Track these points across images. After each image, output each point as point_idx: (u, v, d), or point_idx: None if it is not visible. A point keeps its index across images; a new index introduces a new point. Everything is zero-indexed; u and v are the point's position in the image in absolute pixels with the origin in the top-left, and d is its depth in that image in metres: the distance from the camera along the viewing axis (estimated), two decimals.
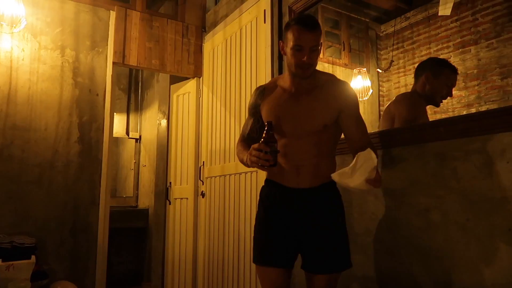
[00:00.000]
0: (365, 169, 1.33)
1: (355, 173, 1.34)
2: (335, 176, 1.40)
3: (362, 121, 1.63)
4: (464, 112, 3.30)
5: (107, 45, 3.28)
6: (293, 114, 1.57)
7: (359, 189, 1.36)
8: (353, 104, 1.61)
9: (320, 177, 1.57)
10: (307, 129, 1.56)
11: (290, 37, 1.51)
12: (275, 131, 1.49)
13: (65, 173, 3.01)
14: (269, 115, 1.62)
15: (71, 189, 3.02)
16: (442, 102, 2.07)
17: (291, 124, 1.57)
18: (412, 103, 2.05)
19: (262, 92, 1.71)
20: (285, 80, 1.65)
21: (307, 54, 1.48)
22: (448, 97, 2.08)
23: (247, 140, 1.72)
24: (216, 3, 3.81)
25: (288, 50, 1.53)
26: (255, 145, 1.45)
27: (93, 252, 3.05)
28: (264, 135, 1.45)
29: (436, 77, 2.00)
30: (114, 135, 4.14)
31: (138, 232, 4.42)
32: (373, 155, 1.35)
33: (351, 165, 1.36)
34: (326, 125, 1.56)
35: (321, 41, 1.55)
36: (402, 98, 2.15)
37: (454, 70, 2.05)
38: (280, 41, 1.62)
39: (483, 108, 3.38)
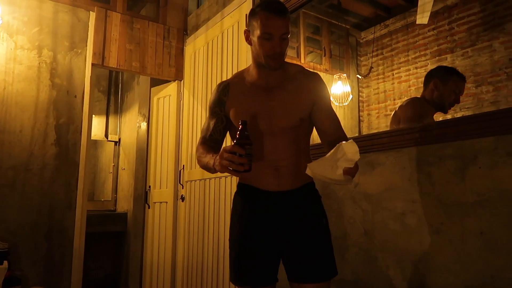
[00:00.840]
0: (346, 160, 1.19)
1: (334, 163, 1.19)
2: (312, 167, 1.23)
3: (335, 113, 1.52)
4: (440, 118, 3.38)
5: (86, 46, 3.23)
6: (266, 110, 1.42)
7: (336, 181, 1.22)
8: (326, 96, 1.51)
9: (301, 178, 1.42)
10: (283, 125, 1.42)
11: (256, 24, 1.35)
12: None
13: (41, 176, 2.94)
14: (240, 113, 1.44)
15: (47, 193, 2.95)
16: (450, 108, 2.11)
17: (265, 120, 1.42)
18: (418, 106, 2.10)
19: (227, 87, 1.51)
20: (252, 73, 1.49)
21: (278, 42, 1.34)
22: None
23: (209, 142, 1.50)
24: (198, 7, 3.81)
25: (255, 39, 1.37)
26: (228, 147, 1.25)
27: (68, 257, 2.98)
28: (237, 136, 1.28)
29: (444, 83, 2.04)
30: (92, 138, 4.06)
31: (116, 236, 4.35)
32: (357, 148, 1.19)
33: (328, 155, 1.21)
34: (302, 119, 1.44)
35: (290, 29, 1.40)
36: (408, 102, 2.19)
37: (462, 78, 2.09)
38: (245, 29, 1.45)
39: (459, 115, 3.48)
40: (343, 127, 1.53)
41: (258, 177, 1.43)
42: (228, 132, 1.55)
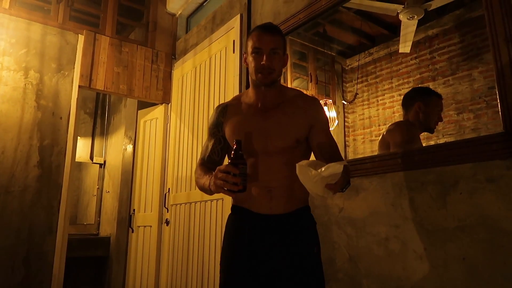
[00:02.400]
0: (328, 179, 1.18)
1: (319, 180, 1.18)
2: (300, 168, 1.20)
3: (333, 137, 1.52)
4: (424, 145, 3.45)
5: (73, 68, 3.24)
6: (262, 130, 1.43)
7: (314, 193, 1.22)
8: (324, 119, 1.51)
9: (295, 201, 1.42)
10: (279, 146, 1.41)
11: (249, 44, 1.43)
12: (243, 150, 1.32)
13: (21, 199, 2.87)
14: (235, 132, 1.46)
15: (27, 216, 2.88)
16: (435, 127, 2.18)
17: (260, 140, 1.42)
18: (405, 129, 2.16)
19: (225, 109, 1.55)
20: (250, 95, 1.52)
21: (266, 56, 1.39)
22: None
23: (207, 163, 1.52)
24: (186, 32, 3.87)
25: (249, 58, 1.44)
26: (222, 167, 1.27)
27: (47, 283, 2.88)
28: (232, 155, 1.28)
29: (427, 105, 2.13)
30: (77, 160, 4.02)
31: (98, 261, 4.23)
32: (338, 167, 1.16)
33: (318, 171, 1.18)
34: (298, 141, 1.43)
35: (287, 52, 1.46)
36: (395, 126, 2.26)
37: (439, 96, 2.21)
38: (243, 53, 1.51)
39: (442, 141, 3.55)
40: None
41: (251, 198, 1.42)
42: (227, 154, 1.56)
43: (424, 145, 2.86)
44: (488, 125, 3.36)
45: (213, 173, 1.31)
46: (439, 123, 2.24)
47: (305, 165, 1.20)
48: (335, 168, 1.15)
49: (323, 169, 1.17)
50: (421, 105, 2.13)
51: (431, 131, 2.20)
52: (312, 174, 1.18)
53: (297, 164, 1.21)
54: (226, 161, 1.55)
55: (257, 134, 1.43)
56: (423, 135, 2.81)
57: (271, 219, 1.40)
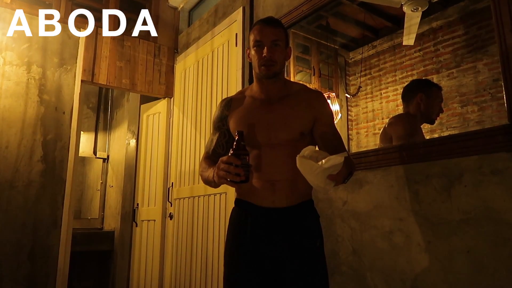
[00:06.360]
0: (330, 170, 1.16)
1: (320, 171, 1.16)
2: (300, 160, 1.19)
3: (337, 130, 1.52)
4: (427, 137, 3.43)
5: (76, 62, 3.23)
6: (266, 122, 1.43)
7: (317, 185, 1.20)
8: (328, 112, 1.52)
9: (298, 194, 1.42)
10: (283, 138, 1.41)
11: (252, 37, 1.45)
12: (246, 142, 1.32)
13: (26, 194, 2.88)
14: (239, 124, 1.46)
15: (31, 210, 2.89)
16: (436, 118, 2.19)
17: (264, 132, 1.42)
18: (406, 122, 2.16)
19: (229, 103, 1.56)
20: (254, 89, 1.53)
21: (267, 48, 1.40)
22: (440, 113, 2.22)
23: (211, 157, 1.53)
24: (189, 25, 3.85)
25: (251, 52, 1.46)
26: (224, 158, 1.27)
27: (52, 277, 2.90)
28: (234, 146, 1.28)
29: (428, 96, 2.14)
30: (80, 155, 4.03)
31: (102, 255, 4.25)
32: (339, 158, 1.15)
33: (319, 163, 1.17)
34: (302, 133, 1.43)
35: (290, 45, 1.47)
36: (397, 119, 2.26)
37: (439, 87, 2.23)
38: (247, 48, 1.52)
39: (446, 134, 3.53)
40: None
41: (254, 191, 1.42)
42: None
43: (427, 137, 2.84)
44: (493, 118, 3.34)
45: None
46: (441, 115, 2.24)
47: (306, 157, 1.20)
48: (336, 159, 1.15)
49: (324, 161, 1.17)
50: (423, 96, 2.13)
51: (432, 122, 2.21)
52: (313, 166, 1.17)
53: (297, 157, 1.20)
54: None
55: (261, 126, 1.43)
56: (427, 128, 2.79)
57: (274, 212, 1.40)
